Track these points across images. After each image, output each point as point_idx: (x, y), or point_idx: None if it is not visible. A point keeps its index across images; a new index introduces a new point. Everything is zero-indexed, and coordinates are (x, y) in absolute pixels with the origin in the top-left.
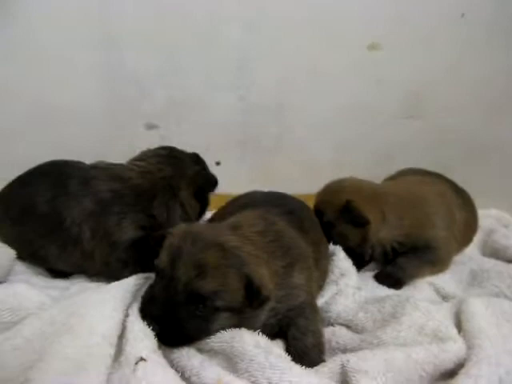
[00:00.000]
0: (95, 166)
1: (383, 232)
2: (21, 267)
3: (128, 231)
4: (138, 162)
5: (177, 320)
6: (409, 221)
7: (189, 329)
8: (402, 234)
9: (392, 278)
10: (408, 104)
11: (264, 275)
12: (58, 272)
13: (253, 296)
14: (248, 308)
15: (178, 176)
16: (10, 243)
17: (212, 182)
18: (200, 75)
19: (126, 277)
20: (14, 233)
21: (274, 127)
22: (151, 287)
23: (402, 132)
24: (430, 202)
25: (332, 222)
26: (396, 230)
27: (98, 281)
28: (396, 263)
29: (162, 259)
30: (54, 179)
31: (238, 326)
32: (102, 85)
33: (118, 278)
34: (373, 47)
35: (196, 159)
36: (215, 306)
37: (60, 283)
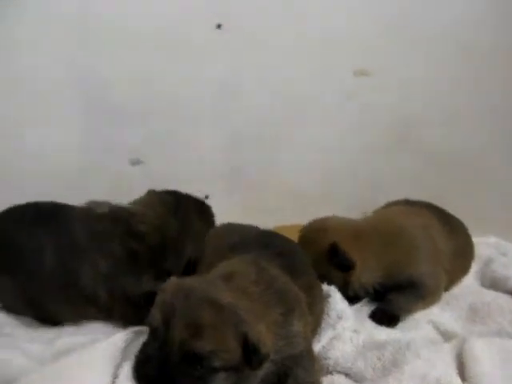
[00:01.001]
0: (101, 215)
1: (365, 275)
2: (3, 319)
3: (146, 284)
4: (144, 210)
5: (173, 381)
6: (388, 261)
7: None
8: (382, 276)
9: (386, 315)
10: (396, 132)
11: (262, 332)
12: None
13: (251, 355)
14: (247, 366)
15: (184, 232)
16: (12, 299)
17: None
18: (183, 106)
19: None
20: (18, 288)
21: (260, 158)
22: (145, 346)
23: (390, 161)
24: (409, 237)
25: (313, 261)
26: (376, 272)
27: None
28: (388, 300)
29: (155, 317)
30: (56, 230)
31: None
32: (82, 119)
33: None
34: (360, 73)
35: (201, 208)
36: (212, 366)
37: (46, 334)
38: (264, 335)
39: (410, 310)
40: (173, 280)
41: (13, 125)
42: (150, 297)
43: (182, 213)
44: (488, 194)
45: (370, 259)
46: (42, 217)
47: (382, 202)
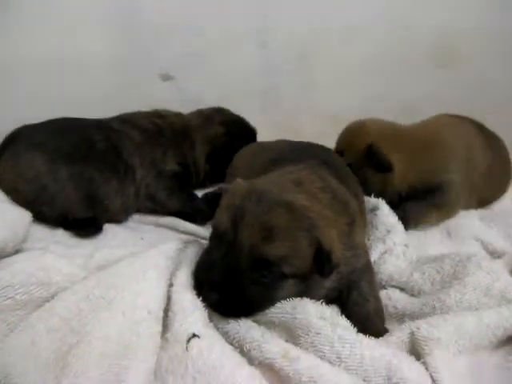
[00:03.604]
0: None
1: (400, 179)
2: (38, 234)
3: (170, 163)
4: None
5: (239, 287)
6: (423, 166)
7: (252, 297)
8: (416, 180)
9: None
10: (437, 51)
11: (334, 239)
12: (85, 225)
13: (323, 263)
14: (315, 274)
15: (200, 132)
16: (65, 186)
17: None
18: (218, 20)
19: (172, 206)
20: (72, 174)
21: (297, 77)
22: (207, 252)
23: (431, 81)
24: (448, 146)
25: (352, 166)
26: (411, 175)
27: (124, 246)
28: (403, 206)
29: (222, 221)
30: (95, 123)
31: (303, 293)
32: (114, 33)
33: (165, 211)
34: None
35: (226, 122)
36: (282, 273)
37: (82, 250)
38: (336, 242)
39: (421, 219)
40: (239, 182)
41: (34, 36)
42: (174, 175)
43: (204, 119)
44: None
45: (407, 162)
46: (86, 120)
47: None
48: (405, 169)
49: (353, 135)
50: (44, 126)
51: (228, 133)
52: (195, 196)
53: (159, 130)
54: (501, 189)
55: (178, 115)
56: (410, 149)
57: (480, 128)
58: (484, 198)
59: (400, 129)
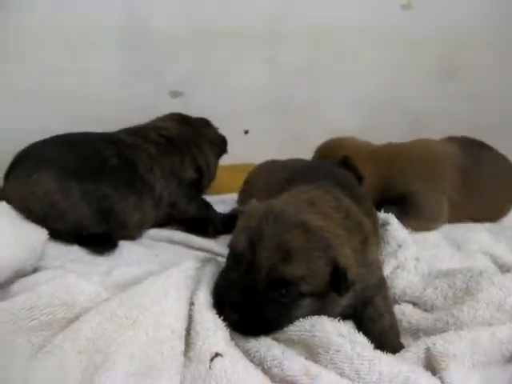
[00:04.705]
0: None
1: (371, 190)
2: (53, 251)
3: (189, 170)
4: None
5: (258, 307)
6: (386, 178)
7: (271, 316)
8: (380, 192)
9: None
10: (442, 67)
11: (349, 258)
12: (100, 241)
13: (340, 281)
14: (332, 293)
15: (199, 136)
16: (77, 202)
17: (225, 144)
18: (228, 36)
19: (191, 212)
20: (84, 191)
21: (305, 92)
22: (225, 272)
23: (436, 97)
24: (408, 158)
25: None
26: (376, 187)
27: (139, 263)
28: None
29: (240, 242)
30: (104, 136)
31: (320, 311)
32: (124, 48)
33: (182, 216)
34: (406, 6)
35: (206, 124)
36: (300, 292)
37: (99, 267)
38: (351, 261)
39: None
40: (255, 203)
41: (43, 51)
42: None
43: (192, 124)
44: None
45: (374, 176)
46: (93, 133)
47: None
48: (375, 182)
49: (331, 149)
50: (52, 142)
51: (215, 131)
52: (209, 204)
53: (170, 140)
54: (497, 209)
55: (172, 125)
56: (380, 164)
57: (466, 148)
58: (473, 218)
59: (374, 147)
